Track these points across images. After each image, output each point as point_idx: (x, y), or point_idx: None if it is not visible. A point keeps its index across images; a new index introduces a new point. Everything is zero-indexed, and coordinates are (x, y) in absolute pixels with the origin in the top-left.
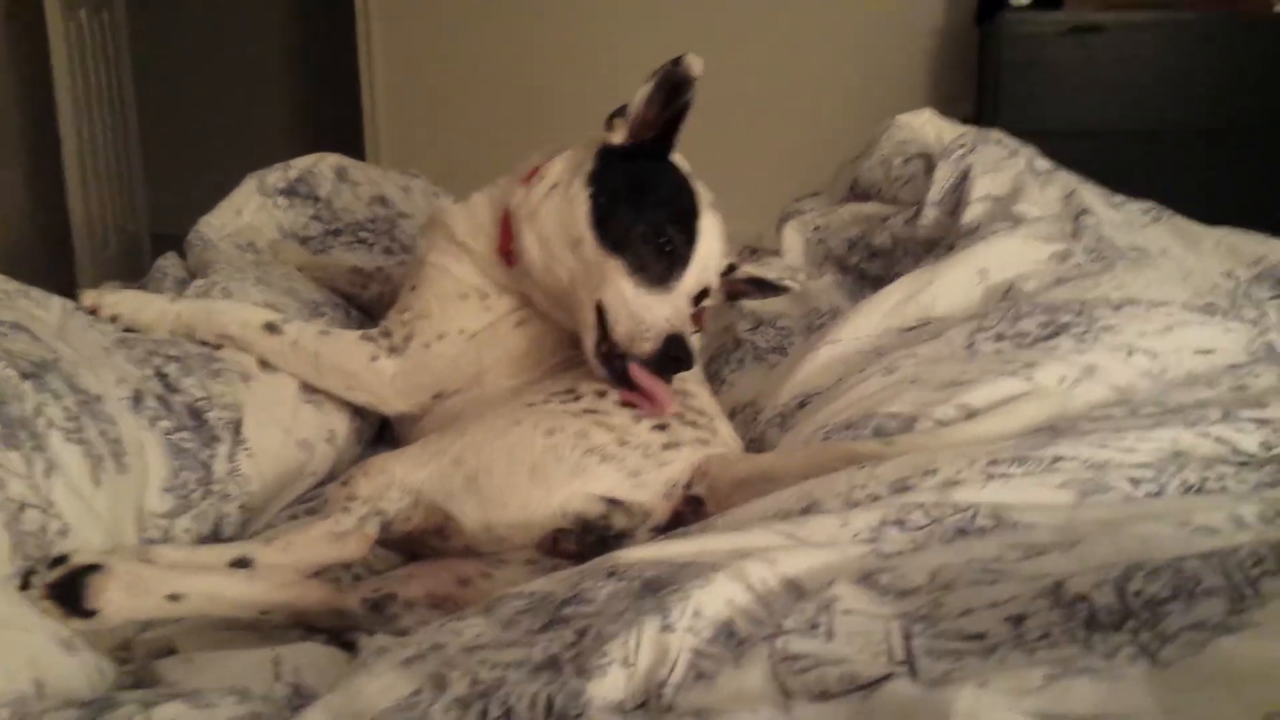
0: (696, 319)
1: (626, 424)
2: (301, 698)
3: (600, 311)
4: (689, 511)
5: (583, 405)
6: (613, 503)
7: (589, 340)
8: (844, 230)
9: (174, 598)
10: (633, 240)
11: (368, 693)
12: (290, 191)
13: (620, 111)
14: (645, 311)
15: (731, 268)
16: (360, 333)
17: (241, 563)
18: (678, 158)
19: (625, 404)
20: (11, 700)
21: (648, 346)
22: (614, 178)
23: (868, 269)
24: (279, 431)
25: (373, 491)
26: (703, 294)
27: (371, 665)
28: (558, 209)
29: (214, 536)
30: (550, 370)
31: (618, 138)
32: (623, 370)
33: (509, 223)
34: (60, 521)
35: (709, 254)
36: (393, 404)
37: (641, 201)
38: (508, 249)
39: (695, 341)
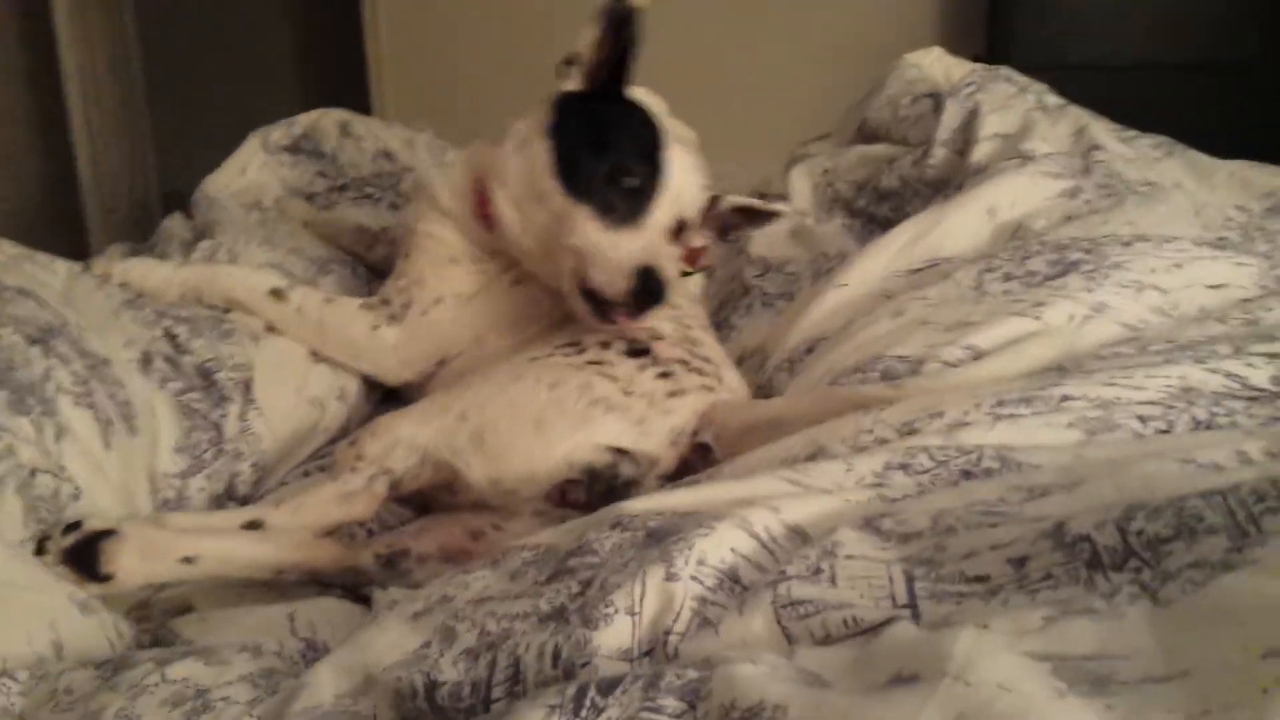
0: (691, 258)
1: (631, 374)
2: (315, 652)
3: (577, 259)
4: (697, 459)
5: (586, 357)
6: (619, 452)
7: (568, 286)
8: (852, 173)
9: (187, 560)
10: (595, 183)
11: (377, 647)
12: (294, 149)
13: (572, 58)
14: (613, 250)
15: (715, 200)
16: (361, 301)
17: (253, 525)
18: (648, 96)
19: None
20: (31, 662)
21: (622, 284)
22: (571, 125)
23: (876, 211)
24: (290, 390)
25: (379, 451)
26: (681, 228)
27: (381, 619)
28: (523, 166)
29: (227, 495)
30: (549, 326)
31: (573, 84)
32: (606, 309)
33: (482, 186)
34: (73, 485)
35: (679, 186)
36: (397, 373)
37: (600, 144)
38: (485, 213)
39: (695, 278)
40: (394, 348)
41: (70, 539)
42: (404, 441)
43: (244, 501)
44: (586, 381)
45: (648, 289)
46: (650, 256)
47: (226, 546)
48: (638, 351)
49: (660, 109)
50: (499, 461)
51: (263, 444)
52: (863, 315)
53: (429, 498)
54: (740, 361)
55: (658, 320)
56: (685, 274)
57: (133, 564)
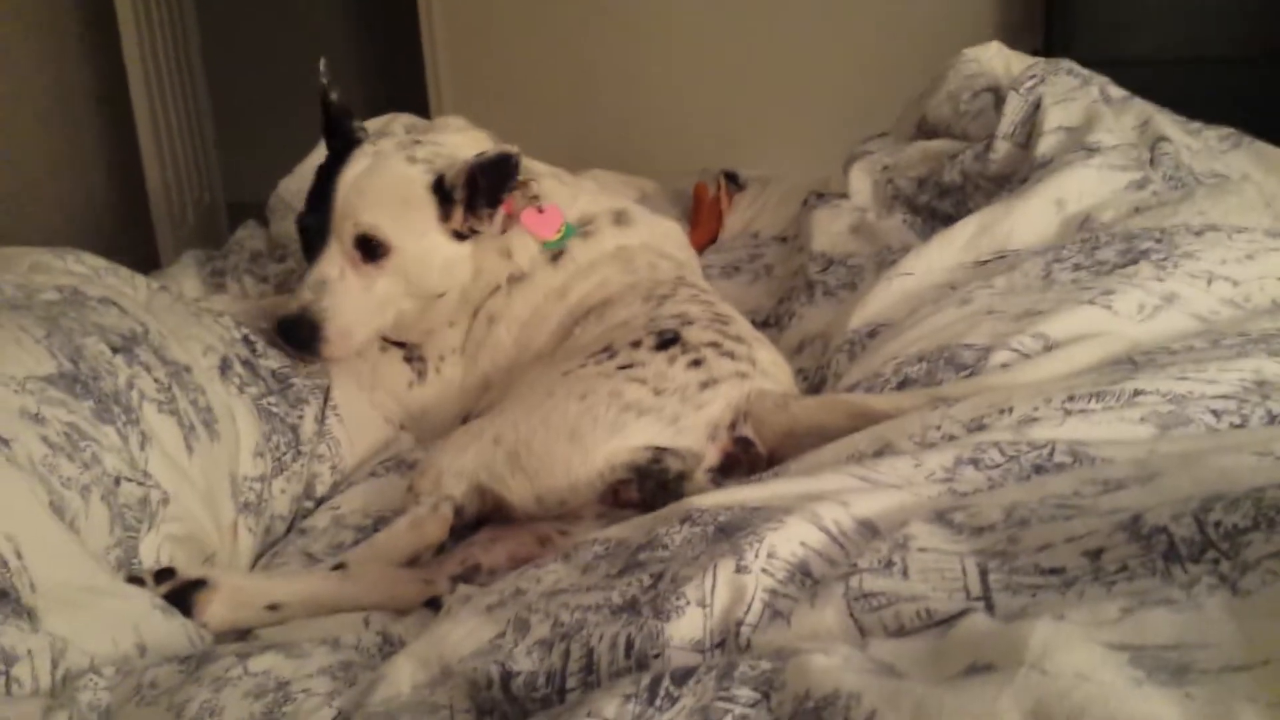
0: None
1: (661, 370)
2: (390, 646)
3: None
4: (740, 452)
5: (617, 362)
6: (659, 450)
7: None
8: (912, 169)
9: (273, 607)
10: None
11: (453, 638)
12: None
13: None
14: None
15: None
16: (404, 352)
17: (336, 568)
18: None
19: None
20: (117, 660)
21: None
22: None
23: (939, 207)
24: (365, 401)
25: (430, 484)
26: (366, 240)
27: (456, 613)
28: None
29: (307, 496)
30: (566, 333)
31: None
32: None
33: None
34: (161, 491)
35: (343, 207)
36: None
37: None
38: None
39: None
40: (422, 410)
41: (164, 588)
42: (448, 470)
43: (320, 503)
44: (616, 389)
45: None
46: (313, 294)
47: (310, 589)
48: (667, 342)
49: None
50: (538, 478)
51: (341, 447)
52: (927, 304)
53: (494, 520)
54: (801, 348)
55: (683, 305)
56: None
57: (222, 612)
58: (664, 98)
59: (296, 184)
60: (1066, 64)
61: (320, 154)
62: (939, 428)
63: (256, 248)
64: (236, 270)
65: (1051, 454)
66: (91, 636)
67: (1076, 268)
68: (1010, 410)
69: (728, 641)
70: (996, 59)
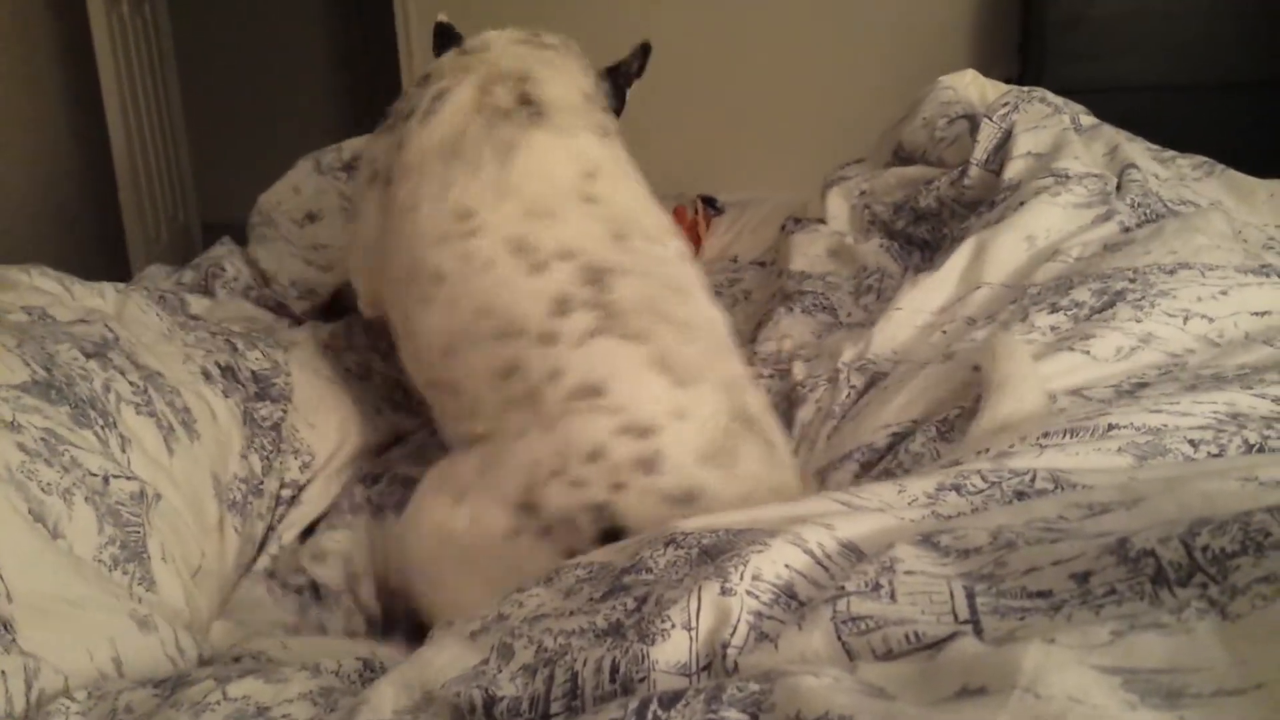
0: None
1: None
2: (372, 671)
3: None
4: None
5: None
6: None
7: None
8: (889, 194)
9: None
10: None
11: (436, 664)
12: (349, 167)
13: None
14: None
15: None
16: None
17: None
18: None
19: None
20: (90, 680)
21: None
22: None
23: (914, 232)
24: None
25: None
26: None
27: (439, 639)
28: None
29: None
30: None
31: None
32: None
33: None
34: (154, 489)
35: None
36: None
37: None
38: None
39: None
40: None
41: None
42: None
43: (295, 497)
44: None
45: None
46: None
47: None
48: None
49: None
50: None
51: (308, 440)
52: (915, 353)
53: None
54: (780, 356)
55: None
56: None
57: None
58: (642, 122)
59: (276, 198)
60: (1040, 93)
61: (301, 170)
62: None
63: (234, 264)
64: (222, 276)
65: (1033, 480)
66: (67, 650)
67: (1054, 309)
68: (987, 450)
69: (714, 665)
70: (972, 87)
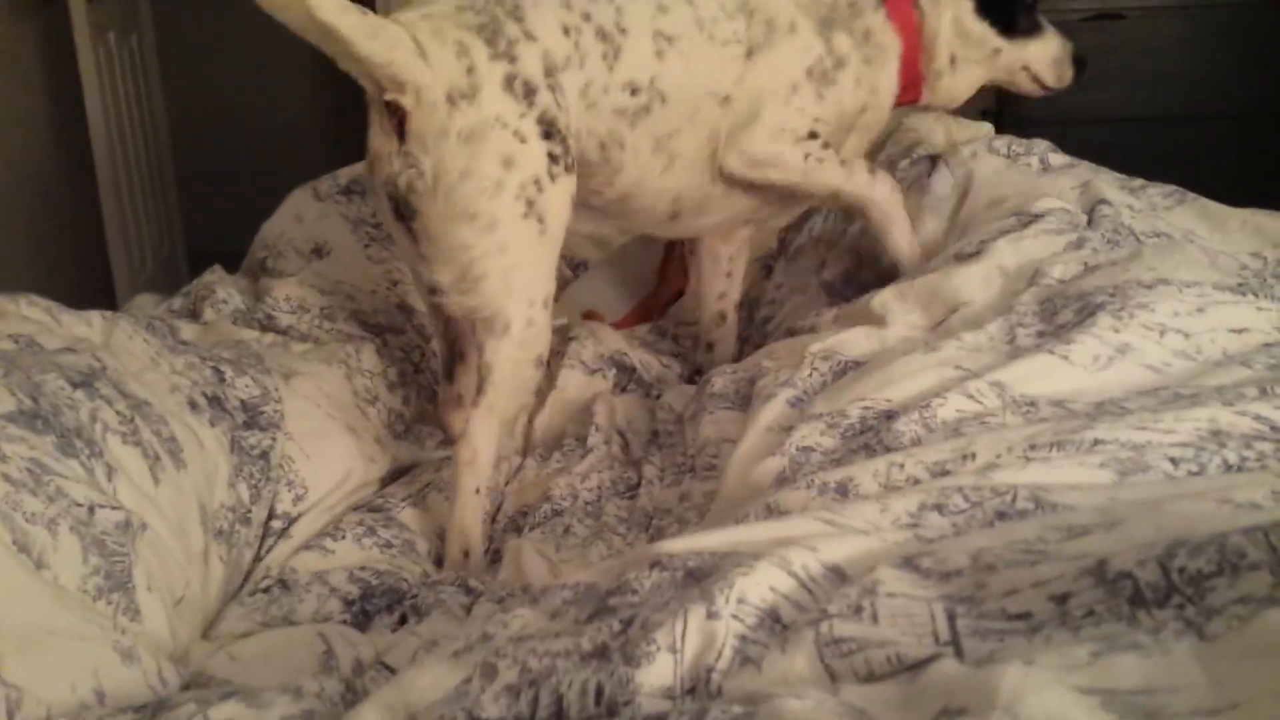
0: None
1: None
2: (354, 694)
3: None
4: None
5: None
6: None
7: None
8: (840, 261)
9: None
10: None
11: (419, 685)
12: (348, 190)
13: None
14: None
15: None
16: None
17: None
18: None
19: None
20: (71, 709)
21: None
22: None
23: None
24: (324, 419)
25: None
26: None
27: (422, 660)
28: None
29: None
30: None
31: None
32: None
33: None
34: (140, 517)
35: None
36: None
37: None
38: None
39: None
40: None
41: None
42: None
43: (285, 529)
44: None
45: None
46: None
47: None
48: None
49: None
50: None
51: (304, 477)
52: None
53: None
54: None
55: None
56: None
57: None
58: None
59: (279, 226)
60: (1006, 139)
61: (299, 199)
62: (903, 467)
63: (225, 289)
64: (211, 298)
65: (1014, 500)
66: (50, 681)
67: (1040, 334)
68: (974, 456)
69: (699, 688)
70: (937, 127)
